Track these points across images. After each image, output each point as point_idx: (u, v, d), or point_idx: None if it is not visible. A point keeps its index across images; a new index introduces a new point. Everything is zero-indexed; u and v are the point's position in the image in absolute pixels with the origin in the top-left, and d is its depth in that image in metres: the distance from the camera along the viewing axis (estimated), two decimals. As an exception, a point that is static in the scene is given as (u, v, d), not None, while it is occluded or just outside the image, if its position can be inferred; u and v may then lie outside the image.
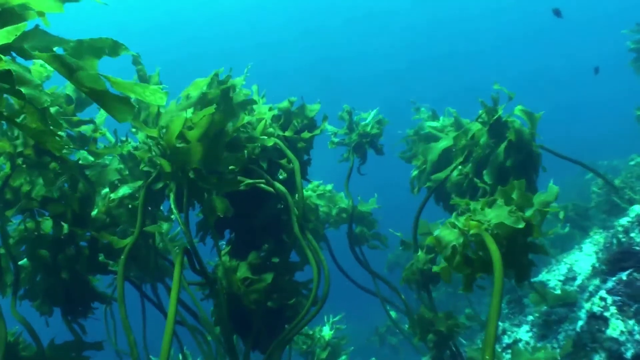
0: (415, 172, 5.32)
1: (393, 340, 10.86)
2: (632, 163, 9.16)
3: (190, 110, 3.56)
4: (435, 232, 2.64)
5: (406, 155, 6.05)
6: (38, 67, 3.54)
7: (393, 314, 10.85)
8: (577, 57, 39.48)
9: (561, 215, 7.45)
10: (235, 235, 4.64)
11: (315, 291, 3.57)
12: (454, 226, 2.63)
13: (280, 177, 4.55)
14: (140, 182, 3.96)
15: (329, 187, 6.59)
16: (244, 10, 42.29)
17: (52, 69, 2.20)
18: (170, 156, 3.26)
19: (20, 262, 4.13)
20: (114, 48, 2.35)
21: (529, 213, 2.58)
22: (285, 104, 4.82)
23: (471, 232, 2.51)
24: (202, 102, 3.54)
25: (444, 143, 5.00)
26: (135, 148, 4.09)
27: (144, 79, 3.71)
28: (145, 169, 3.68)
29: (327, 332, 6.78)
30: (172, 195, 3.41)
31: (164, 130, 3.29)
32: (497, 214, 2.53)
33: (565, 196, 10.74)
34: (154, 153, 3.41)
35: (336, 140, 6.17)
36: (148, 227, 3.80)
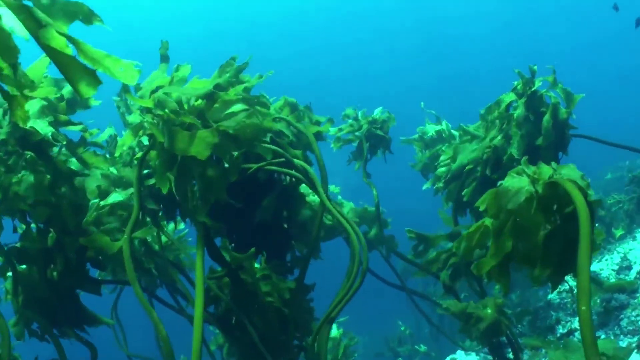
0: (443, 169, 5.04)
1: (404, 350, 10.59)
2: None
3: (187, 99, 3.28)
4: (500, 184, 2.29)
5: (418, 167, 5.85)
6: (39, 64, 3.29)
7: (401, 326, 10.71)
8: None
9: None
10: (237, 236, 4.29)
11: (358, 261, 3.26)
12: (520, 174, 2.29)
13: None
14: (131, 190, 3.66)
15: (337, 189, 6.32)
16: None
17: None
18: (164, 129, 2.97)
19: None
20: (88, 16, 2.11)
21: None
22: (292, 99, 4.59)
23: (541, 181, 2.24)
24: (213, 96, 3.27)
25: (478, 145, 4.72)
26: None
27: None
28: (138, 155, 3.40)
29: (335, 332, 6.51)
30: (173, 179, 3.12)
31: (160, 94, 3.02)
32: (567, 172, 2.26)
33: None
34: (146, 125, 3.11)
35: (340, 135, 5.85)
36: (137, 233, 3.50)
